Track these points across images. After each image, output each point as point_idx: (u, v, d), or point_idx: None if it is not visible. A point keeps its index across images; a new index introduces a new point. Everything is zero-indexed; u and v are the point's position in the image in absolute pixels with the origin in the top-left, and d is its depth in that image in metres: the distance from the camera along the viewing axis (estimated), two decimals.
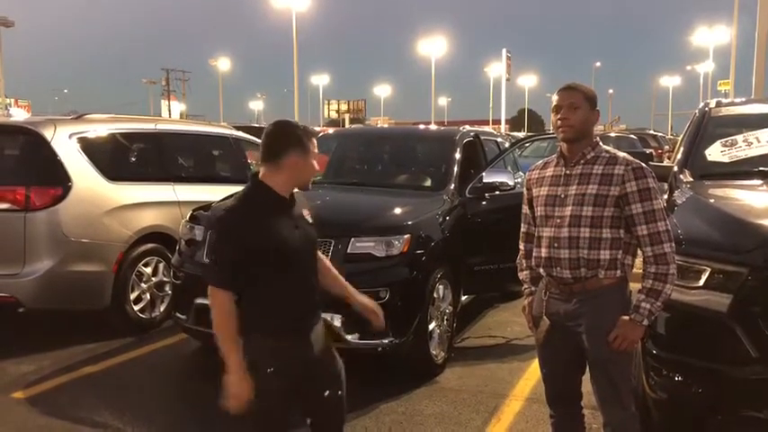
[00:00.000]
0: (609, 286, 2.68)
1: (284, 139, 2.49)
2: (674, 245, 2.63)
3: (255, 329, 2.46)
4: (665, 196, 4.25)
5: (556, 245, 2.72)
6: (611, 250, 2.65)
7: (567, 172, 2.74)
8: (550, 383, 2.98)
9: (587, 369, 2.84)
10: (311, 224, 2.61)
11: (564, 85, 2.77)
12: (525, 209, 2.98)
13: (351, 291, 2.78)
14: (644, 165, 2.67)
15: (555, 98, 2.74)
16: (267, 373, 2.42)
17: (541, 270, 2.82)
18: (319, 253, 2.73)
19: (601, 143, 2.77)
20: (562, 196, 2.73)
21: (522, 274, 3.02)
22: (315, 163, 2.54)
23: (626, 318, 2.63)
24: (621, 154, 2.73)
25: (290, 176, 2.50)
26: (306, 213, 2.61)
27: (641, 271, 2.69)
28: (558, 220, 2.71)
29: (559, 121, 2.70)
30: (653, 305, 2.61)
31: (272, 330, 2.46)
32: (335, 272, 2.79)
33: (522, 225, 3.03)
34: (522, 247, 3.03)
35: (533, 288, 2.96)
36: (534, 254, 2.85)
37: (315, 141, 2.55)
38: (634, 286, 2.75)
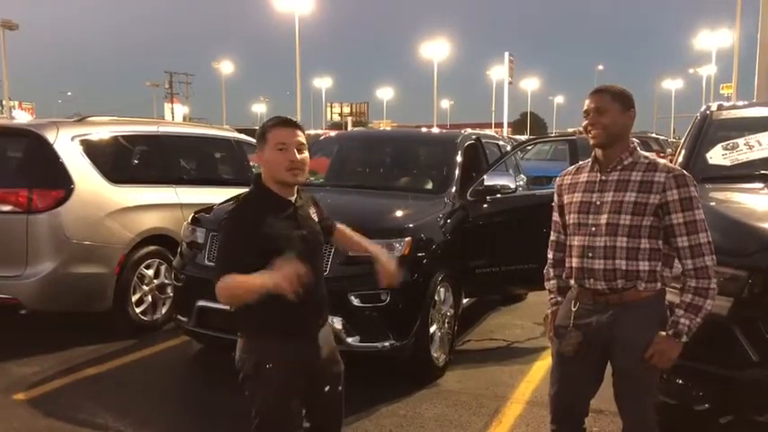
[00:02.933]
0: (647, 299, 2.56)
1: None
2: (715, 258, 2.51)
3: (260, 331, 2.48)
4: None
5: (590, 254, 2.59)
6: (651, 261, 2.54)
7: (603, 178, 2.62)
8: (562, 398, 2.78)
9: (603, 383, 2.75)
10: (319, 224, 2.60)
11: (594, 88, 2.68)
12: (555, 216, 2.85)
13: (364, 241, 2.80)
14: (686, 173, 2.55)
15: (585, 102, 2.66)
16: (267, 369, 2.42)
17: (572, 281, 2.69)
18: (340, 225, 2.75)
19: (639, 148, 2.65)
20: (597, 203, 2.60)
21: (549, 284, 2.90)
22: (278, 154, 2.40)
23: (663, 334, 2.51)
24: (662, 161, 2.61)
25: (265, 174, 2.47)
26: (313, 214, 2.59)
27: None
28: (593, 229, 2.59)
29: (589, 126, 2.61)
30: (692, 321, 2.49)
31: (277, 332, 2.46)
32: (353, 235, 2.80)
33: (552, 233, 2.90)
34: (550, 255, 2.89)
35: (560, 299, 2.83)
36: (566, 263, 2.73)
37: (280, 131, 2.43)
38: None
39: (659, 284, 2.57)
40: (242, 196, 2.59)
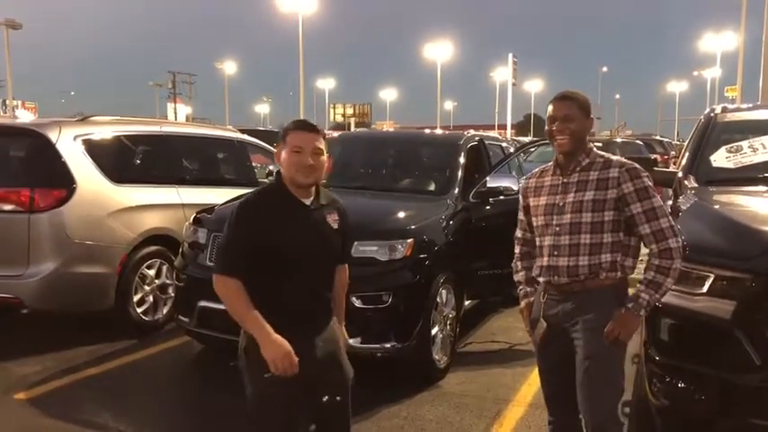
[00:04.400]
0: (608, 286, 2.70)
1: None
2: (680, 240, 2.63)
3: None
4: (670, 202, 4.24)
5: (556, 253, 2.73)
6: (612, 253, 2.67)
7: (564, 180, 2.76)
8: (546, 385, 2.97)
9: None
10: (336, 230, 2.61)
11: (558, 95, 2.80)
12: (521, 215, 3.01)
13: (341, 318, 2.80)
14: (637, 165, 2.71)
15: (550, 108, 2.78)
16: (265, 378, 2.42)
17: (541, 278, 2.84)
18: (346, 270, 2.80)
19: (594, 149, 2.79)
20: (560, 204, 2.74)
21: (518, 276, 3.05)
22: (293, 155, 2.48)
23: (622, 309, 2.65)
24: (615, 157, 2.75)
25: (284, 174, 2.53)
26: (332, 221, 2.61)
27: (641, 276, 2.70)
28: (558, 228, 2.73)
29: (555, 133, 2.74)
30: (651, 296, 2.62)
31: (274, 326, 2.43)
32: (343, 295, 2.82)
33: (518, 230, 3.06)
34: (516, 250, 3.06)
35: (528, 289, 2.99)
36: (536, 263, 2.87)
37: (298, 135, 2.51)
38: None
39: (619, 273, 2.70)
40: (257, 189, 2.67)
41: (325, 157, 2.54)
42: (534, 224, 2.87)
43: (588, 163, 2.74)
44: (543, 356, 2.93)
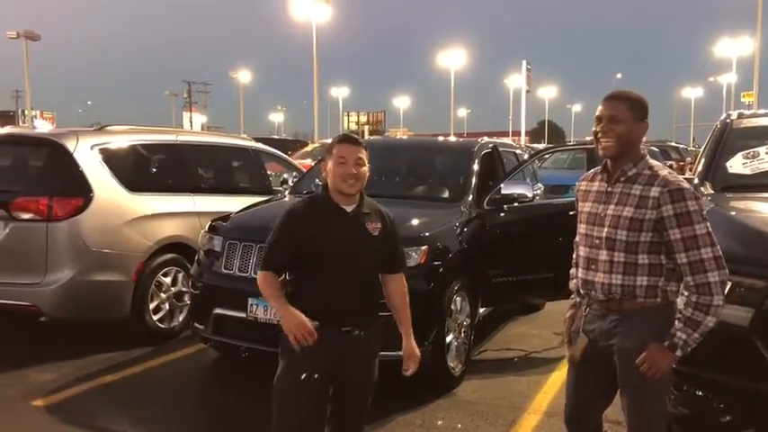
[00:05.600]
0: (649, 308, 2.52)
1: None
2: (723, 272, 2.41)
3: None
4: None
5: (593, 267, 2.59)
6: (650, 277, 2.48)
7: (609, 189, 2.57)
8: (574, 405, 2.79)
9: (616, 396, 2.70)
10: (377, 237, 2.77)
11: (609, 93, 2.60)
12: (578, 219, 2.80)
13: (407, 330, 2.97)
14: (685, 186, 2.45)
15: (599, 107, 2.58)
16: (301, 380, 2.62)
17: (580, 290, 2.70)
18: (401, 279, 2.92)
19: (648, 157, 2.57)
20: (602, 215, 2.57)
21: (572, 283, 2.85)
22: (337, 166, 2.69)
23: (657, 344, 2.44)
24: (663, 172, 2.50)
25: (330, 183, 2.75)
26: (373, 230, 2.76)
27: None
28: (597, 241, 2.58)
29: (600, 134, 2.54)
30: (690, 336, 2.41)
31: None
32: (403, 304, 2.96)
33: (578, 235, 2.84)
34: (574, 255, 2.85)
35: (578, 299, 2.78)
36: (574, 273, 2.77)
37: (342, 146, 2.74)
38: None
39: (660, 299, 2.51)
40: (302, 198, 2.96)
41: (366, 168, 2.74)
42: (578, 230, 2.71)
43: (634, 174, 2.52)
44: (576, 373, 2.76)
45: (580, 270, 2.67)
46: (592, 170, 2.77)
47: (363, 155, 2.74)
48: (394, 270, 2.90)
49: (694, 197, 2.44)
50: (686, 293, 2.45)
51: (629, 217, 2.47)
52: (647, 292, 2.49)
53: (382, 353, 4.19)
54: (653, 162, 2.56)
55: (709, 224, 2.43)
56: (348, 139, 2.80)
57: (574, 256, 2.85)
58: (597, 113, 2.57)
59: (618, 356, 2.54)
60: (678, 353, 2.43)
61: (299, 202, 2.84)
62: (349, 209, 2.74)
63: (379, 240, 2.77)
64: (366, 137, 44.63)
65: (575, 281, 2.81)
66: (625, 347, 2.50)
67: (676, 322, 2.45)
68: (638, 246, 2.47)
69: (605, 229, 2.53)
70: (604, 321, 2.59)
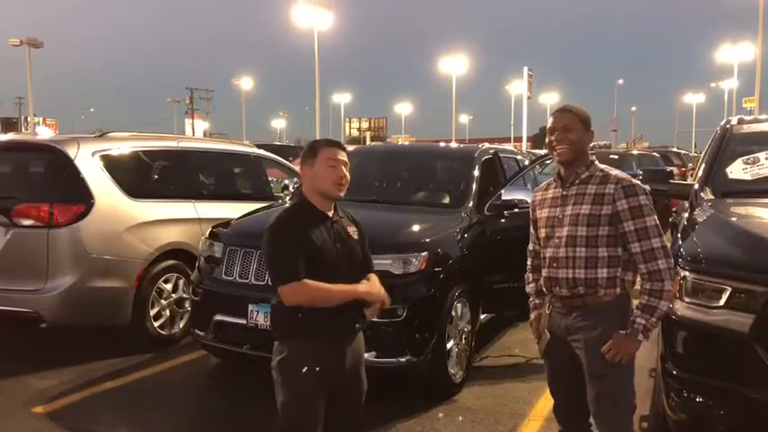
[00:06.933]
0: (608, 302, 2.74)
1: (302, 153, 2.80)
2: (670, 260, 2.67)
3: (298, 333, 2.65)
4: (686, 214, 4.21)
5: (555, 265, 2.81)
6: (609, 268, 2.72)
7: (564, 193, 2.83)
8: (555, 395, 3.06)
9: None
10: (357, 240, 2.81)
11: (559, 108, 2.89)
12: (531, 228, 3.09)
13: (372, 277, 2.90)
14: (636, 182, 2.73)
15: (550, 120, 2.86)
16: (302, 373, 2.60)
17: (544, 289, 2.93)
18: (374, 277, 2.90)
19: (597, 162, 2.84)
20: (560, 217, 2.81)
21: (529, 288, 3.13)
22: (328, 169, 2.68)
23: (622, 332, 2.67)
24: (614, 172, 2.78)
25: (308, 187, 2.72)
26: (353, 232, 2.80)
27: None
28: (557, 241, 2.80)
29: (555, 143, 2.80)
30: (648, 321, 2.65)
31: (314, 335, 2.63)
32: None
33: (530, 243, 3.14)
34: (528, 262, 3.14)
35: (538, 301, 3.06)
36: (542, 274, 2.95)
37: (332, 150, 2.73)
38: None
39: (619, 289, 2.74)
40: (283, 209, 2.83)
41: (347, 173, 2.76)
42: (539, 236, 2.96)
43: (587, 176, 2.79)
44: (549, 367, 3.04)
45: (544, 269, 2.88)
46: (545, 182, 3.05)
47: (347, 158, 2.78)
48: (370, 270, 2.92)
49: (644, 192, 2.71)
50: (641, 283, 2.69)
51: (587, 214, 2.72)
52: (608, 283, 2.72)
53: (380, 360, 4.22)
54: (602, 165, 2.83)
55: (656, 217, 2.70)
56: (335, 143, 2.83)
57: (529, 263, 3.13)
58: (550, 125, 2.85)
59: (584, 348, 2.75)
60: (640, 338, 2.65)
61: (283, 213, 2.76)
62: (330, 213, 2.75)
63: (358, 243, 2.83)
64: (368, 143, 44.60)
65: (532, 284, 3.09)
66: (591, 338, 2.72)
67: (635, 310, 2.70)
68: (597, 240, 2.71)
69: (565, 228, 2.77)
70: (568, 318, 2.81)
